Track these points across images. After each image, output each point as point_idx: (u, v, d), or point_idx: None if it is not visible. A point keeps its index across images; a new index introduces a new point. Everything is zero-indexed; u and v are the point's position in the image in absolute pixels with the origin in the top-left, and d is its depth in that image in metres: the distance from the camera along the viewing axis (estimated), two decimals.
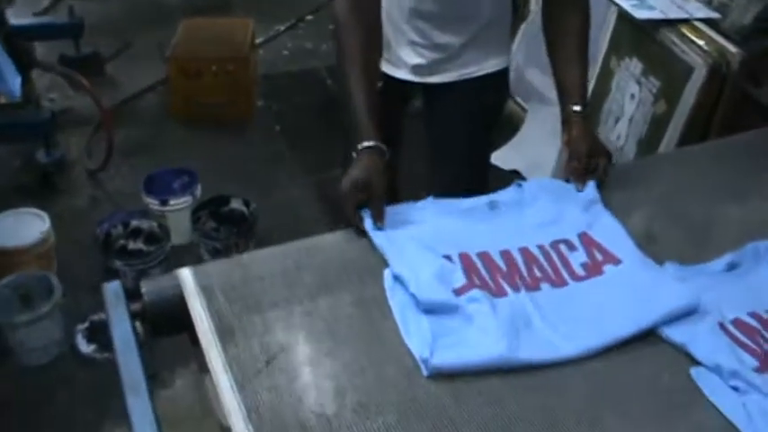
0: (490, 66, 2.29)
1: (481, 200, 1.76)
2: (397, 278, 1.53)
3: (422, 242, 1.61)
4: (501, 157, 3.74)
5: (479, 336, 1.42)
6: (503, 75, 2.35)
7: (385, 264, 1.58)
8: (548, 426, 1.30)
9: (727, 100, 2.63)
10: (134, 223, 3.22)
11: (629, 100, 2.97)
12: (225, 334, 1.44)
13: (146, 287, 1.58)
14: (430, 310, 1.46)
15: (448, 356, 1.38)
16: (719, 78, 2.61)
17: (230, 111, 4.20)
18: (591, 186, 1.79)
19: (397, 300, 1.50)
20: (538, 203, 1.76)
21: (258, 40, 4.77)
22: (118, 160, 3.77)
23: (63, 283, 2.84)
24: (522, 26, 3.98)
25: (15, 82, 3.35)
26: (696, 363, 1.43)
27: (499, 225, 1.71)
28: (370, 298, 1.52)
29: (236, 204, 3.35)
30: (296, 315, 1.49)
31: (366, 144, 1.73)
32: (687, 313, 1.49)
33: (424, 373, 1.37)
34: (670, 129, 2.75)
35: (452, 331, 1.43)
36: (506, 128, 3.95)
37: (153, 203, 3.24)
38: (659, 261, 1.63)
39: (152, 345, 1.60)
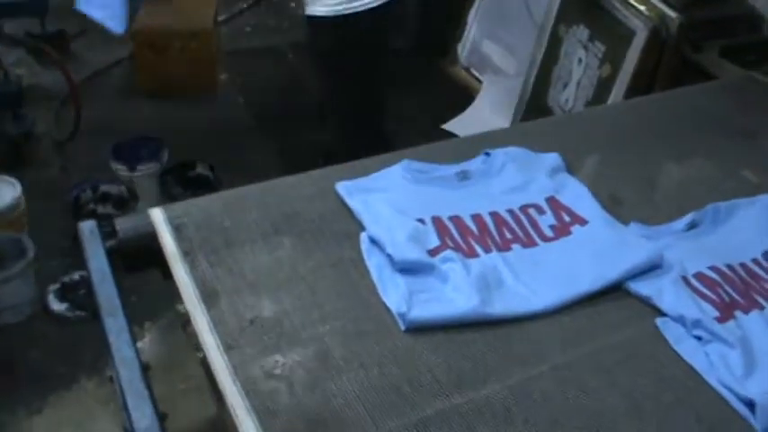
0: None
1: (451, 168, 1.83)
2: (373, 240, 1.60)
3: (395, 207, 1.68)
4: (456, 125, 3.87)
5: (454, 293, 1.48)
6: None
7: (361, 227, 1.65)
8: (525, 376, 1.37)
9: (668, 63, 2.78)
10: (103, 188, 3.32)
11: (576, 65, 3.11)
12: (194, 268, 1.55)
13: (120, 225, 1.70)
14: (405, 269, 1.52)
15: (424, 311, 1.44)
16: (660, 42, 2.76)
17: (195, 84, 4.29)
18: (555, 156, 1.87)
19: (374, 261, 1.56)
20: (506, 171, 1.82)
21: (221, 18, 4.85)
22: (85, 132, 3.83)
23: (34, 247, 2.92)
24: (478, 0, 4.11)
25: None
26: (661, 314, 1.50)
27: (469, 191, 1.77)
28: (348, 259, 1.59)
29: (201, 169, 3.46)
30: (271, 262, 1.59)
31: None
32: (651, 268, 1.57)
33: (402, 327, 1.43)
34: (614, 91, 2.90)
35: (428, 288, 1.50)
36: (462, 97, 4.10)
37: (121, 169, 3.33)
38: (624, 222, 1.71)
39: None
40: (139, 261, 1.70)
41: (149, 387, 1.38)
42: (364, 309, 1.47)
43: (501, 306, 1.47)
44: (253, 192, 1.80)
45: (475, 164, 1.85)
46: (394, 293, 1.48)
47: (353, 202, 1.70)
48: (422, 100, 4.10)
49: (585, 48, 3.04)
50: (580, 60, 3.08)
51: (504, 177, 1.81)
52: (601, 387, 1.37)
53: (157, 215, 1.69)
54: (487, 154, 1.87)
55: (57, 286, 3.00)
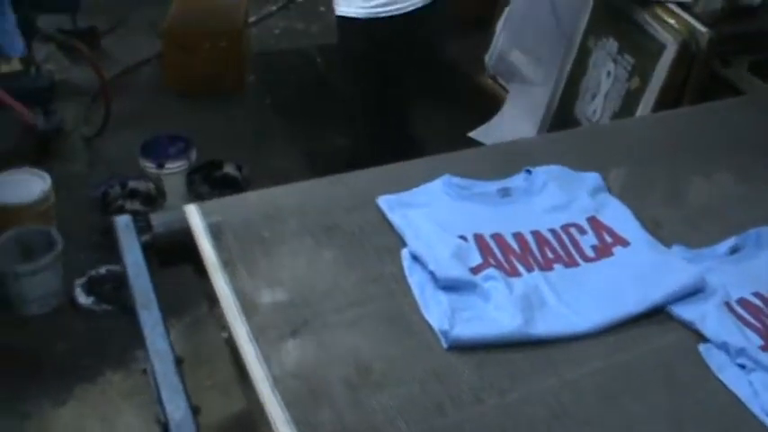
0: None
1: (493, 185, 1.81)
2: (415, 257, 1.58)
3: (437, 223, 1.66)
4: (482, 133, 3.89)
5: (496, 312, 1.46)
6: None
7: (402, 242, 1.64)
8: (568, 397, 1.36)
9: (696, 77, 2.79)
10: (131, 184, 3.36)
11: (605, 77, 3.12)
12: (229, 267, 1.56)
13: (154, 220, 1.73)
14: (448, 287, 1.50)
15: (466, 329, 1.42)
16: (689, 56, 2.77)
17: (223, 84, 4.33)
18: (596, 176, 1.85)
19: (415, 277, 1.55)
20: (547, 190, 1.80)
21: (251, 19, 4.89)
22: (114, 129, 3.88)
23: (63, 240, 2.96)
24: (506, 9, 4.12)
25: (19, 42, 3.47)
26: (704, 339, 1.47)
27: (511, 209, 1.76)
28: (389, 274, 1.58)
29: (229, 169, 3.49)
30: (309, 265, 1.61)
31: None
32: (694, 292, 1.54)
33: (444, 345, 1.42)
34: (642, 104, 2.91)
35: (470, 307, 1.48)
36: (488, 106, 4.11)
37: (149, 166, 3.37)
38: (665, 243, 1.69)
39: None
40: (173, 256, 1.72)
41: (183, 380, 1.40)
42: (406, 325, 1.47)
43: (544, 327, 1.46)
44: (289, 198, 1.81)
45: (516, 181, 1.84)
46: (436, 311, 1.47)
47: (395, 217, 1.69)
48: (448, 107, 4.12)
49: (614, 60, 3.06)
50: (609, 73, 3.09)
51: (546, 196, 1.79)
52: (643, 412, 1.36)
53: (192, 212, 1.71)
54: (528, 171, 1.85)
55: (83, 280, 3.04)
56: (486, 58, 4.28)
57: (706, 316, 1.49)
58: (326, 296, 1.52)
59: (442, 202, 1.75)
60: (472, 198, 1.77)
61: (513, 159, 1.92)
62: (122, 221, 1.73)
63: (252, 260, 1.59)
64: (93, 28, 4.65)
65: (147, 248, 1.68)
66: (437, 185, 1.79)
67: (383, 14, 2.65)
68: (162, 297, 1.60)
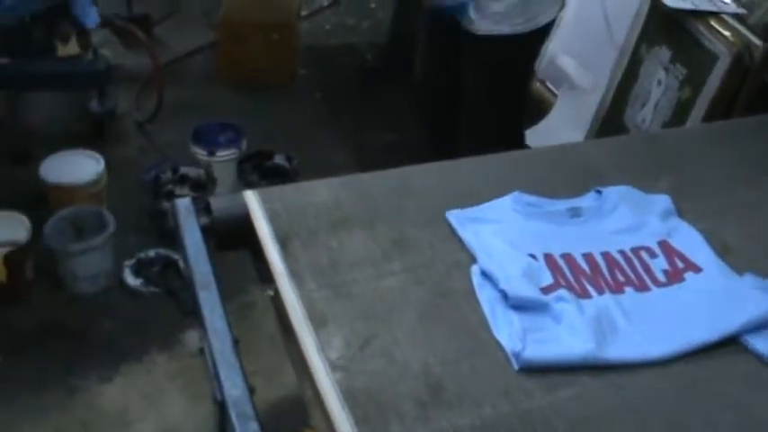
0: None
1: (562, 204, 1.77)
2: (485, 274, 1.54)
3: (507, 240, 1.62)
4: (530, 137, 3.89)
5: (568, 334, 1.43)
6: None
7: (472, 258, 1.59)
8: (635, 427, 1.31)
9: (749, 88, 2.78)
10: (182, 170, 3.41)
11: (655, 85, 3.12)
12: (301, 287, 1.50)
13: (214, 204, 1.76)
14: (518, 306, 1.47)
15: (538, 351, 1.39)
16: (743, 68, 2.77)
17: (274, 76, 4.39)
18: (666, 198, 1.80)
19: (485, 295, 1.51)
20: (618, 211, 1.76)
21: (302, 14, 4.94)
22: (165, 115, 3.95)
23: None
24: (559, 14, 4.13)
25: (94, 13, 3.55)
26: None
27: (581, 229, 1.72)
28: (459, 291, 1.53)
29: (279, 159, 3.54)
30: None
31: None
32: None
33: (515, 366, 1.38)
34: (692, 114, 2.91)
35: (541, 328, 1.44)
36: (536, 111, 4.13)
37: (200, 153, 3.43)
38: (738, 271, 1.62)
39: None
40: (231, 241, 1.74)
41: (240, 360, 1.43)
42: (476, 344, 1.43)
43: (616, 352, 1.42)
44: (348, 191, 1.80)
45: (586, 201, 1.79)
46: (507, 330, 1.43)
47: (465, 234, 1.65)
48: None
49: (666, 69, 3.06)
50: (660, 81, 3.10)
51: (617, 217, 1.75)
52: None
53: (251, 199, 1.74)
54: (599, 191, 1.80)
55: (132, 261, 3.11)
56: (536, 62, 4.29)
57: None
58: (395, 310, 1.48)
59: (511, 220, 1.71)
60: (542, 216, 1.73)
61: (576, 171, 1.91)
62: (183, 204, 1.75)
63: (319, 270, 1.55)
64: (148, 15, 4.72)
65: (205, 231, 1.72)
66: (506, 202, 1.75)
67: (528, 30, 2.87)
68: None
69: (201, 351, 1.55)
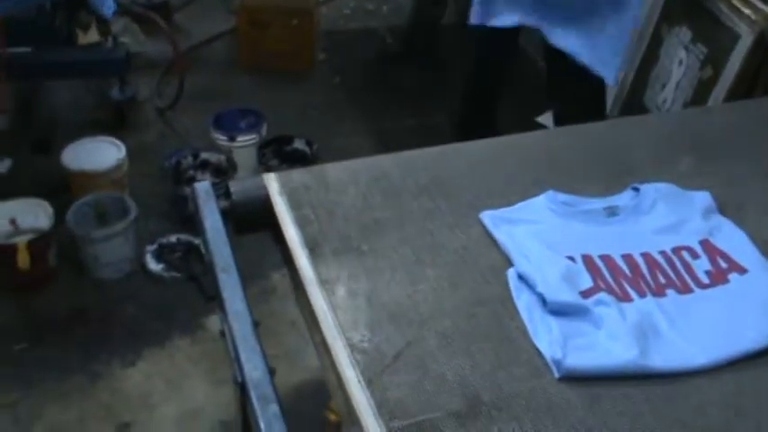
0: None
1: (599, 203, 1.70)
2: (521, 277, 1.49)
3: (544, 241, 1.57)
4: (549, 119, 3.89)
5: (610, 340, 1.37)
6: None
7: (507, 261, 1.54)
8: None
9: None
10: (203, 155, 3.44)
11: (676, 66, 3.11)
12: (332, 294, 1.46)
13: (234, 187, 1.77)
14: (557, 311, 1.42)
15: (580, 359, 1.34)
16: (765, 47, 2.75)
17: (294, 61, 4.40)
18: (706, 195, 1.73)
19: (523, 300, 1.46)
20: (656, 209, 1.70)
21: None
22: (186, 101, 3.96)
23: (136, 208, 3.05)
24: None
25: (111, 1, 3.58)
26: None
27: (619, 229, 1.65)
28: (495, 296, 1.48)
29: (299, 144, 3.56)
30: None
31: None
32: None
33: (556, 374, 1.33)
34: (714, 94, 2.90)
35: (582, 334, 1.39)
36: None
37: (221, 139, 3.44)
38: None
39: None
40: (250, 224, 1.75)
41: (260, 342, 1.44)
42: (515, 352, 1.37)
43: (660, 359, 1.36)
44: (368, 172, 1.78)
45: (623, 199, 1.72)
46: (546, 337, 1.38)
47: (500, 235, 1.59)
48: (517, 92, 4.13)
49: (687, 49, 3.05)
50: (681, 62, 3.08)
51: (655, 216, 1.68)
52: None
53: (271, 181, 1.74)
54: (636, 189, 1.73)
55: (154, 247, 3.13)
56: None
57: None
58: (430, 318, 1.42)
59: (547, 220, 1.65)
60: (578, 216, 1.66)
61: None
62: (202, 187, 1.76)
63: (350, 275, 1.50)
64: (167, 2, 4.74)
65: (225, 215, 1.72)
66: (540, 201, 1.69)
67: None
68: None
69: (222, 334, 1.55)
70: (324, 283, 1.47)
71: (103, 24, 3.79)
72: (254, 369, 1.37)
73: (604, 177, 1.79)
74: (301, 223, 1.60)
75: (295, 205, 1.64)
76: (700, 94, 2.98)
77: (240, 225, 1.75)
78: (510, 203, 1.68)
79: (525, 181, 1.76)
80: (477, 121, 3.21)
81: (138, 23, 4.40)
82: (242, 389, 1.38)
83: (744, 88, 2.82)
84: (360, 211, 1.66)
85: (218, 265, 1.59)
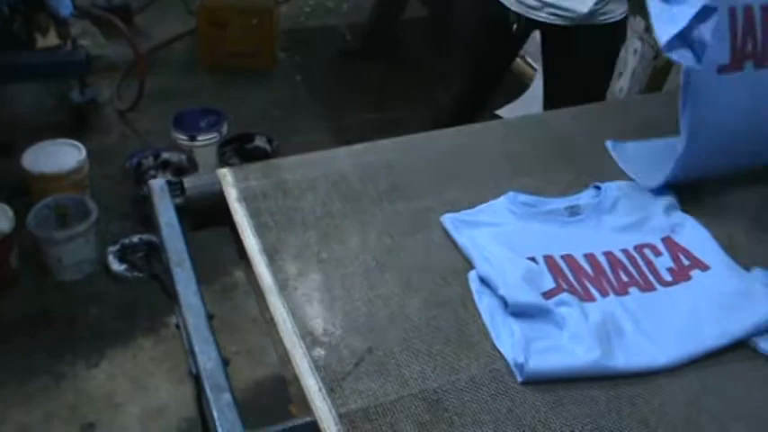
0: None
1: (560, 202, 1.69)
2: (483, 280, 1.48)
3: (505, 243, 1.55)
4: (509, 111, 3.93)
5: (572, 342, 1.36)
6: None
7: (469, 264, 1.52)
8: None
9: None
10: (164, 155, 3.44)
11: (631, 55, 3.15)
12: (290, 302, 1.43)
13: (188, 183, 1.77)
14: (519, 313, 1.40)
15: (542, 361, 1.32)
16: None
17: (254, 61, 4.43)
18: (668, 192, 1.73)
19: (484, 303, 1.44)
20: (618, 207, 1.69)
21: None
22: (147, 103, 3.96)
23: (97, 209, 3.04)
24: None
25: (68, 1, 3.57)
26: None
27: (580, 229, 1.65)
28: (457, 299, 1.46)
29: (259, 142, 3.57)
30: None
31: None
32: None
33: (519, 378, 1.31)
34: (669, 81, 2.94)
35: (544, 335, 1.38)
36: (516, 84, 4.15)
37: (181, 138, 3.45)
38: (745, 265, 1.56)
39: None
40: (206, 219, 1.76)
41: (214, 333, 1.44)
42: (476, 356, 1.36)
43: (623, 360, 1.35)
44: (325, 167, 1.79)
45: (584, 198, 1.72)
46: (508, 340, 1.36)
47: (461, 238, 1.58)
48: None
49: (641, 39, 3.09)
50: (635, 51, 3.13)
51: (617, 214, 1.68)
52: None
53: (226, 176, 1.75)
54: (597, 187, 1.73)
55: (116, 248, 3.12)
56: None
57: None
58: (390, 322, 1.40)
59: (508, 222, 1.63)
60: (539, 217, 1.65)
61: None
62: (157, 184, 1.76)
63: (310, 284, 1.48)
64: (127, 5, 4.75)
65: (180, 211, 1.73)
66: (501, 203, 1.67)
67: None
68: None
69: (178, 327, 1.56)
70: (283, 290, 1.45)
71: (62, 27, 3.79)
72: (207, 360, 1.37)
73: (565, 174, 1.79)
74: (260, 231, 1.59)
75: (254, 213, 1.63)
76: (654, 83, 3.02)
77: (195, 221, 1.75)
78: (471, 205, 1.66)
79: (487, 182, 1.74)
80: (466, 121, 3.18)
81: (98, 26, 4.40)
82: (196, 380, 1.39)
83: None
84: (319, 218, 1.64)
85: (172, 260, 1.60)
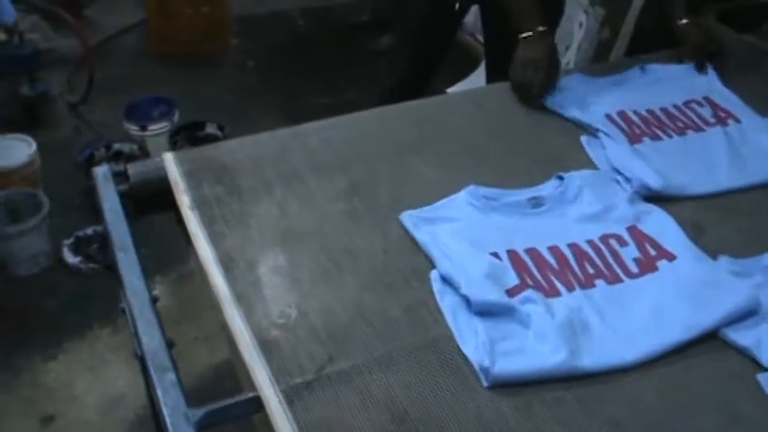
0: None
1: (522, 194, 1.66)
2: (445, 279, 1.44)
3: (466, 239, 1.52)
4: (460, 89, 3.93)
5: (538, 342, 1.33)
6: None
7: (430, 263, 1.50)
8: None
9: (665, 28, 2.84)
10: (116, 146, 3.43)
11: (577, 28, 3.18)
12: (250, 316, 1.42)
13: (132, 169, 1.78)
14: (483, 312, 1.37)
15: (508, 364, 1.29)
16: (658, 7, 2.82)
17: (205, 48, 4.42)
18: (636, 180, 1.71)
19: (447, 303, 1.40)
20: (582, 197, 1.66)
21: None
22: (98, 95, 3.94)
23: (49, 203, 3.02)
24: None
25: (10, 8, 3.54)
26: (762, 368, 1.35)
27: (544, 220, 1.62)
28: (419, 301, 1.43)
29: (211, 129, 3.56)
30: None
31: (540, 29, 2.02)
32: (749, 314, 1.41)
33: (485, 383, 1.28)
34: (614, 53, 2.97)
35: (509, 335, 1.34)
36: (465, 63, 4.16)
37: (133, 129, 3.44)
38: (711, 253, 1.55)
39: None
40: (150, 205, 1.76)
41: (158, 316, 1.45)
42: (441, 360, 1.32)
43: (590, 358, 1.32)
44: (268, 147, 1.86)
45: (547, 189, 1.69)
46: (473, 341, 1.33)
47: (421, 235, 1.54)
48: None
49: (586, 12, 3.11)
50: (581, 24, 3.15)
51: (581, 204, 1.65)
52: None
53: (169, 160, 1.76)
54: (560, 177, 1.71)
55: (71, 240, 3.11)
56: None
57: (761, 341, 1.37)
58: (351, 327, 1.38)
59: (468, 216, 1.60)
60: (501, 210, 1.62)
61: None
62: (101, 172, 1.77)
63: (270, 292, 1.46)
64: None
65: (125, 197, 1.73)
66: (461, 197, 1.64)
67: None
68: (147, 255, 1.62)
69: (123, 311, 1.57)
70: (240, 300, 1.45)
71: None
72: (150, 340, 1.39)
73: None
74: (215, 239, 1.58)
75: (208, 221, 1.63)
76: (600, 55, 3.05)
77: (141, 206, 1.76)
78: (429, 202, 1.64)
79: (447, 178, 1.74)
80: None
81: (47, 20, 4.35)
82: (141, 361, 1.40)
83: (641, 47, 2.88)
84: (275, 221, 1.64)
85: (116, 245, 1.60)
